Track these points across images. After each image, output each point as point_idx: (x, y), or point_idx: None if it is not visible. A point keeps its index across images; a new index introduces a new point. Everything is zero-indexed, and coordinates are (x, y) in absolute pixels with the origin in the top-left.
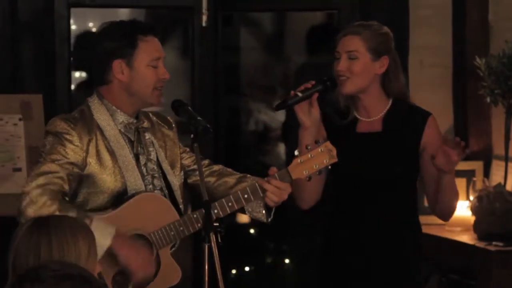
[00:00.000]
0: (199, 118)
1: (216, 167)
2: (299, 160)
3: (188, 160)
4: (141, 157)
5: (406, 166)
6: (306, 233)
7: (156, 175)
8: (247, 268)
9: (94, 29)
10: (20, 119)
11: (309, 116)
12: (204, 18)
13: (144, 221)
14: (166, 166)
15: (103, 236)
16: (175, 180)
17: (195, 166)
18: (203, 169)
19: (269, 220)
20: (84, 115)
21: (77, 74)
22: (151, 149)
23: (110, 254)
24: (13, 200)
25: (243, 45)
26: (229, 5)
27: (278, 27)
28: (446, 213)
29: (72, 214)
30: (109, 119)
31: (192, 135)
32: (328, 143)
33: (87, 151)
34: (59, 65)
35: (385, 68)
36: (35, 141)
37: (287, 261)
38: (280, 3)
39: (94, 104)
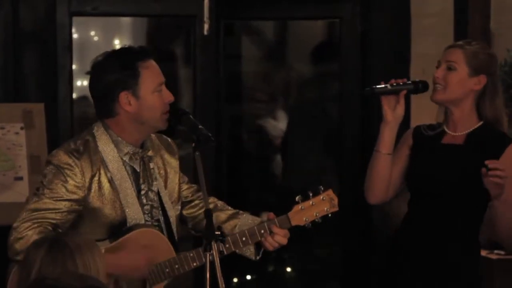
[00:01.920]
0: (200, 126)
1: (211, 200)
2: (300, 207)
3: (186, 191)
4: (142, 186)
5: (480, 182)
6: (307, 242)
7: (155, 205)
8: (248, 277)
9: (96, 38)
10: (22, 128)
11: (393, 111)
12: (206, 26)
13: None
14: (165, 197)
15: None
16: (172, 213)
17: (193, 198)
18: (199, 201)
19: (258, 258)
20: (88, 147)
21: (79, 83)
22: (155, 182)
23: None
24: (15, 209)
25: (244, 54)
26: (231, 14)
27: (279, 36)
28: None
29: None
30: (113, 150)
31: (193, 144)
32: (330, 192)
33: (89, 188)
34: (61, 74)
35: (481, 87)
36: (36, 150)
37: (288, 269)
38: (282, 12)
39: (99, 133)
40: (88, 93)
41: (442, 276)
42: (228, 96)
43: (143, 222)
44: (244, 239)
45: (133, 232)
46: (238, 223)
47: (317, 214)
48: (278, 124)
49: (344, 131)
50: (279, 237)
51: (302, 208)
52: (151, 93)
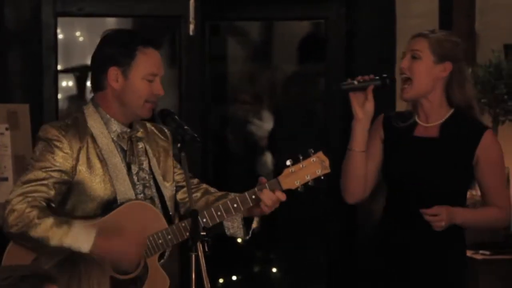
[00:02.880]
0: (186, 127)
1: (203, 186)
2: (290, 170)
3: (179, 176)
4: (133, 166)
5: (458, 175)
6: (293, 242)
7: (147, 184)
8: (234, 277)
9: (81, 39)
10: (6, 129)
11: (363, 108)
12: (192, 27)
13: (132, 229)
14: (158, 176)
15: (80, 243)
16: (167, 191)
17: (184, 183)
18: (192, 187)
19: (247, 237)
20: (77, 122)
21: (64, 83)
22: (143, 158)
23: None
24: (0, 209)
25: (230, 55)
26: (216, 14)
27: (265, 36)
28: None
29: (50, 220)
30: (102, 127)
31: (179, 144)
32: (320, 153)
33: (77, 159)
34: (46, 75)
35: (447, 73)
36: (21, 150)
37: (274, 270)
38: (267, 13)
39: (89, 111)
40: (73, 94)
41: (427, 270)
42: (214, 97)
43: (133, 198)
44: (235, 205)
45: (123, 206)
46: (236, 197)
47: (309, 177)
48: (264, 125)
49: (329, 131)
50: (278, 193)
51: (293, 171)
52: (140, 78)
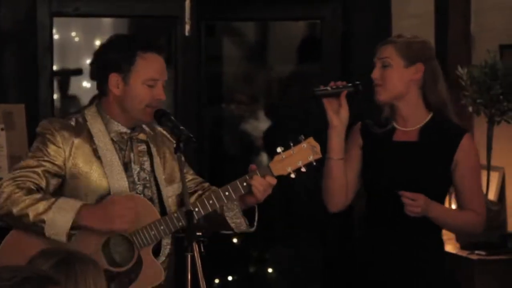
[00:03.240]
0: (182, 127)
1: (206, 185)
2: (281, 157)
3: (190, 182)
4: (133, 166)
5: (437, 179)
6: (289, 242)
7: (148, 184)
8: (230, 278)
9: (77, 39)
10: (2, 129)
11: (338, 115)
12: (187, 27)
13: None
14: (160, 174)
15: (65, 212)
16: (167, 191)
17: (196, 188)
18: (202, 192)
19: (252, 229)
20: (74, 121)
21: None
22: (145, 158)
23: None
24: None
25: (226, 55)
26: (212, 15)
27: (261, 36)
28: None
29: (37, 195)
30: (102, 126)
31: (175, 145)
32: (311, 139)
33: (70, 153)
34: (41, 75)
35: (419, 75)
36: (17, 150)
37: (270, 270)
38: (263, 13)
39: (90, 113)
40: (69, 94)
41: (409, 274)
42: (210, 97)
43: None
44: (227, 193)
45: (115, 195)
46: (227, 184)
47: (301, 163)
48: (260, 125)
49: (325, 132)
50: (269, 178)
51: (283, 157)
52: (140, 83)
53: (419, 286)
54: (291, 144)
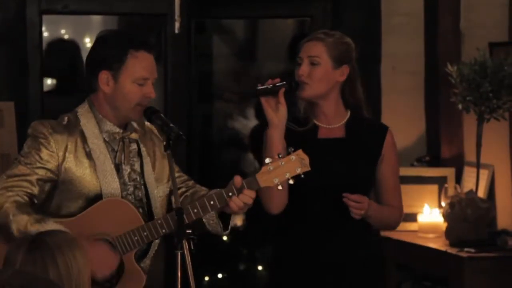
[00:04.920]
0: (171, 125)
1: (196, 188)
2: (268, 168)
3: (176, 179)
4: (124, 166)
5: (367, 173)
6: None
7: (138, 185)
8: (220, 275)
9: (66, 36)
10: None
11: (277, 112)
12: (177, 25)
13: (108, 225)
14: (149, 176)
15: None
16: (157, 192)
17: (181, 185)
18: (186, 189)
19: (226, 232)
20: (68, 122)
21: (49, 81)
22: (135, 159)
23: None
24: None
25: (216, 52)
26: (202, 12)
27: (250, 34)
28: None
29: (25, 218)
30: (95, 127)
31: (164, 142)
32: (300, 152)
33: (63, 157)
34: (31, 73)
35: (345, 77)
36: (7, 148)
37: (260, 268)
38: (253, 11)
39: (83, 111)
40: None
41: (348, 270)
42: (200, 95)
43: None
44: (212, 202)
45: (99, 203)
46: (212, 193)
47: (288, 175)
48: (249, 123)
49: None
50: (245, 197)
51: (271, 169)
52: (130, 82)
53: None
54: (280, 156)
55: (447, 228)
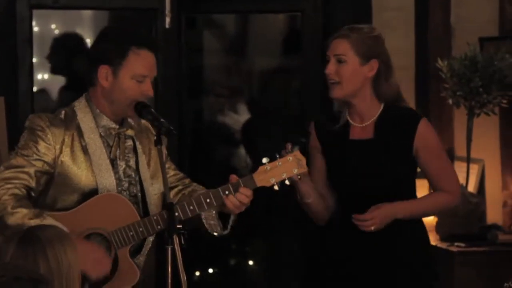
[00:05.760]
0: (162, 120)
1: (192, 185)
2: (265, 168)
3: (172, 178)
4: (119, 162)
5: (399, 171)
6: (269, 235)
7: (133, 181)
8: (210, 270)
9: (56, 31)
10: None
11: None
12: (168, 20)
13: (103, 220)
14: (145, 172)
15: None
16: (152, 189)
17: (177, 184)
18: (182, 187)
19: (225, 232)
20: (64, 116)
21: (39, 76)
22: (130, 155)
23: None
24: None
25: (206, 47)
26: (192, 7)
27: (241, 29)
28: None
29: (23, 211)
30: (91, 121)
31: (155, 137)
32: (297, 153)
33: (60, 151)
34: (21, 68)
35: (374, 72)
36: None
37: (250, 262)
38: (243, 5)
39: (80, 105)
40: (48, 87)
41: (391, 270)
42: (190, 90)
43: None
44: (208, 200)
45: (95, 197)
46: (209, 191)
47: (285, 175)
48: (240, 118)
49: (305, 125)
50: (242, 196)
51: (268, 169)
52: (129, 78)
53: (398, 278)
54: (277, 156)
55: (438, 223)
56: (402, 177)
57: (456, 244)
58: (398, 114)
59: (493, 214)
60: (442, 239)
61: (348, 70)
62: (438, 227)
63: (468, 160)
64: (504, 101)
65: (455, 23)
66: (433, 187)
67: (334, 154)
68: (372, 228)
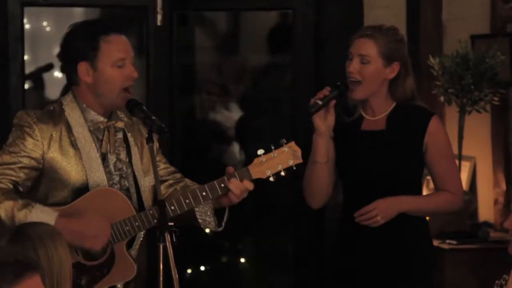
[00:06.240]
0: (154, 117)
1: (184, 180)
2: (261, 160)
3: (162, 171)
4: (110, 156)
5: (408, 164)
6: (261, 233)
7: (124, 174)
8: (202, 268)
9: (48, 28)
10: None
11: (325, 121)
12: (159, 17)
13: (100, 215)
14: (137, 166)
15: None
16: (144, 182)
17: (168, 177)
18: (173, 181)
19: (220, 229)
20: (53, 112)
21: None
22: (121, 148)
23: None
24: None
25: (198, 45)
26: (184, 4)
27: (233, 26)
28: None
29: (10, 203)
30: (79, 116)
31: (146, 135)
32: (293, 144)
33: (48, 146)
34: (12, 65)
35: (395, 74)
36: None
37: (242, 260)
38: (235, 3)
39: (67, 101)
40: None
41: (395, 262)
42: (182, 87)
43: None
44: (204, 193)
45: (90, 192)
46: (205, 185)
47: (281, 167)
48: (232, 115)
49: (297, 121)
50: (246, 182)
51: (263, 160)
52: (109, 66)
53: (401, 272)
54: (272, 147)
55: (429, 220)
56: (410, 170)
57: (447, 241)
58: (411, 110)
59: (485, 212)
60: (434, 236)
61: (371, 71)
62: (430, 225)
63: (460, 157)
64: (496, 99)
65: (447, 21)
66: (436, 186)
67: (346, 144)
68: (379, 219)
